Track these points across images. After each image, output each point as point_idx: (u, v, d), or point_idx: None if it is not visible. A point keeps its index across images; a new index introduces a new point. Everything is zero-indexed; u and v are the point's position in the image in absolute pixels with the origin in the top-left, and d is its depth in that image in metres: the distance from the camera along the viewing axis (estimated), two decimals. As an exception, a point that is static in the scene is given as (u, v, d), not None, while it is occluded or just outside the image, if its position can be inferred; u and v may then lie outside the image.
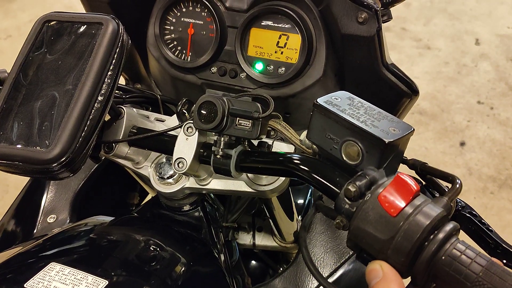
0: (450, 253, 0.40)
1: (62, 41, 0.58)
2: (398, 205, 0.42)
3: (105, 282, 0.53)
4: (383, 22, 0.73)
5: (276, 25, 0.78)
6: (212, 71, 0.82)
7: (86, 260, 0.57)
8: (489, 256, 0.40)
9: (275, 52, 0.79)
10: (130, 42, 0.60)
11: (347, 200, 0.45)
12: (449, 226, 0.41)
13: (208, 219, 0.74)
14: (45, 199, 0.84)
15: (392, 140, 0.46)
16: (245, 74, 0.81)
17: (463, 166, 2.44)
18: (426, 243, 0.41)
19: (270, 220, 0.86)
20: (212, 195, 0.79)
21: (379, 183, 0.45)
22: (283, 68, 0.79)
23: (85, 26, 0.59)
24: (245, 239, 0.95)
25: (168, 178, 0.67)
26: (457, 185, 0.47)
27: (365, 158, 0.48)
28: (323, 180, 0.49)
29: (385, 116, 0.50)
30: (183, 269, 0.62)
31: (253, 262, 1.01)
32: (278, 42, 0.78)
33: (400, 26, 3.57)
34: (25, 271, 0.54)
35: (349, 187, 0.45)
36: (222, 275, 0.66)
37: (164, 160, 0.69)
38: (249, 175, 0.66)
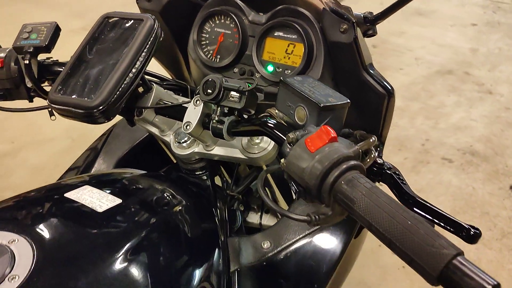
0: (348, 179, 0.55)
1: (114, 31, 0.81)
2: (317, 145, 0.57)
3: (120, 201, 0.72)
4: (369, 36, 0.89)
5: (286, 35, 0.97)
6: (234, 71, 1.02)
7: (111, 188, 0.77)
8: (375, 184, 0.54)
9: (284, 57, 0.97)
10: (163, 34, 0.81)
11: (288, 145, 0.62)
12: (352, 162, 0.56)
13: (213, 183, 0.92)
14: (95, 163, 1.07)
15: (326, 104, 0.62)
16: (259, 74, 0.99)
17: (510, 209, 2.41)
18: (332, 171, 0.56)
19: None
20: (222, 168, 0.97)
21: (310, 132, 0.61)
22: (289, 70, 0.97)
23: (132, 21, 0.81)
24: (253, 218, 1.11)
25: (183, 143, 0.87)
26: (370, 139, 0.62)
27: (308, 119, 0.64)
28: (277, 133, 0.66)
29: (329, 91, 0.66)
30: (182, 209, 0.80)
31: None
32: (286, 49, 0.97)
33: (463, 70, 3.60)
34: (67, 188, 0.75)
35: (289, 135, 0.61)
36: (213, 220, 0.83)
37: (182, 129, 0.88)
38: (243, 144, 0.83)
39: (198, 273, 0.73)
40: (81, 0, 4.80)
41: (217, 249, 0.79)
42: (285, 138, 0.64)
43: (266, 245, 0.83)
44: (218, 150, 0.85)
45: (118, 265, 0.62)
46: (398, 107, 3.11)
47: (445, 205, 2.44)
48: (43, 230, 0.63)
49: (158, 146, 1.06)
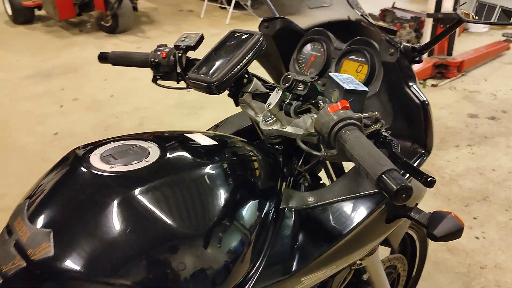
0: (347, 130, 0.86)
1: (235, 40, 1.24)
2: (334, 109, 0.90)
3: (217, 143, 1.12)
4: (416, 63, 1.18)
5: (357, 58, 1.30)
6: (318, 82, 1.38)
7: (214, 137, 1.17)
8: (362, 133, 0.84)
9: (354, 74, 1.30)
10: (266, 45, 1.21)
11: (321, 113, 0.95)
12: (353, 121, 0.87)
13: (284, 157, 1.26)
14: None
15: (348, 88, 0.94)
16: (335, 86, 1.34)
17: None
18: (338, 124, 0.87)
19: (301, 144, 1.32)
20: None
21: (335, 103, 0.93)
22: (356, 84, 1.29)
23: (247, 35, 1.23)
24: None
25: (267, 121, 1.24)
26: (374, 112, 0.92)
27: (338, 98, 0.97)
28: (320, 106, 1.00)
29: (357, 83, 0.98)
30: (259, 163, 1.17)
31: None
32: (357, 68, 1.30)
33: None
34: (186, 132, 1.18)
35: (322, 105, 0.95)
36: (276, 178, 1.18)
37: (268, 113, 1.25)
38: (307, 126, 1.17)
39: (257, 204, 1.07)
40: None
41: (274, 194, 1.13)
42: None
43: (310, 199, 1.14)
44: (289, 129, 1.20)
45: (205, 173, 1.01)
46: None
47: None
48: (166, 143, 1.06)
49: (255, 133, 1.45)
